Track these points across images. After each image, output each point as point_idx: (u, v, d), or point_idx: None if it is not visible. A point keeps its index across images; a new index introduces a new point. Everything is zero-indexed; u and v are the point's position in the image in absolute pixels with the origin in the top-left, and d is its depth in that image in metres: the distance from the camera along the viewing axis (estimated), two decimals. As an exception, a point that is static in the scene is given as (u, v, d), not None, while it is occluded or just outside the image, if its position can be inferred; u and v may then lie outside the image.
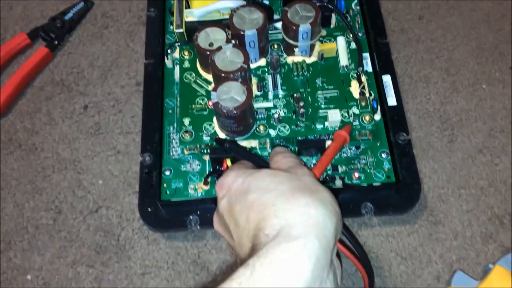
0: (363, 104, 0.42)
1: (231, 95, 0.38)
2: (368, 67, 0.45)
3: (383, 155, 0.42)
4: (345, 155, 0.42)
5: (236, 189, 0.30)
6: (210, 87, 0.43)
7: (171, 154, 0.43)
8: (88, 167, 0.46)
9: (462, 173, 0.44)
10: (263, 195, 0.28)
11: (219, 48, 0.40)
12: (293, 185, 0.29)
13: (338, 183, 0.39)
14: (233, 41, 0.41)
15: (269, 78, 0.43)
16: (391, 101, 0.44)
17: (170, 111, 0.44)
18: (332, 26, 0.46)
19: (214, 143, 0.40)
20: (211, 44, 0.42)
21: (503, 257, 0.39)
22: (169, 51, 0.46)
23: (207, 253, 0.42)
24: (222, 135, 0.41)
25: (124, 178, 0.45)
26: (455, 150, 0.45)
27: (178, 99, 0.44)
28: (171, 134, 0.43)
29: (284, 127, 0.41)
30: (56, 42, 0.52)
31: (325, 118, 0.41)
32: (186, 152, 0.42)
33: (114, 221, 0.44)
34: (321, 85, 0.43)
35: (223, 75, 0.39)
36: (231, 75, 0.39)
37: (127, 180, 0.45)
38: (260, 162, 0.36)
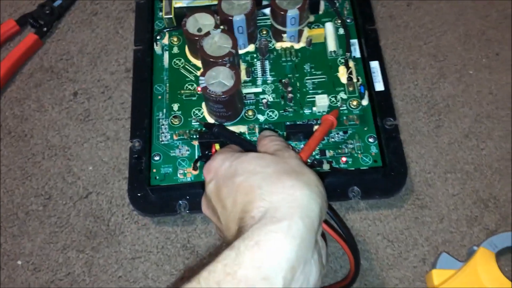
0: (351, 89, 0.42)
1: (219, 79, 0.38)
2: (356, 53, 0.45)
3: (370, 140, 0.42)
4: (332, 140, 0.42)
5: (223, 173, 0.30)
6: (199, 73, 0.43)
7: (160, 139, 0.43)
8: (78, 154, 0.46)
9: (448, 157, 0.44)
10: (249, 178, 0.29)
11: (208, 34, 0.40)
12: (279, 168, 0.29)
13: (326, 166, 0.40)
14: (221, 27, 0.41)
15: (258, 64, 0.44)
16: (379, 86, 0.44)
17: (160, 97, 0.44)
18: (320, 12, 0.46)
19: (203, 128, 0.40)
20: (199, 30, 0.42)
21: (488, 239, 0.40)
22: (158, 37, 0.46)
23: (197, 237, 0.42)
24: (211, 120, 0.41)
25: (114, 164, 0.45)
26: (441, 135, 0.45)
27: (167, 85, 0.44)
28: (160, 120, 0.44)
29: (273, 112, 0.41)
30: (45, 28, 0.52)
31: (313, 103, 0.42)
32: (175, 137, 0.43)
33: (104, 207, 0.44)
34: (309, 70, 0.43)
35: (211, 60, 0.39)
36: (220, 60, 0.39)
37: (117, 166, 0.45)
38: (248, 146, 0.36)
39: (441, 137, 0.45)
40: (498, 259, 0.39)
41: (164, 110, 0.44)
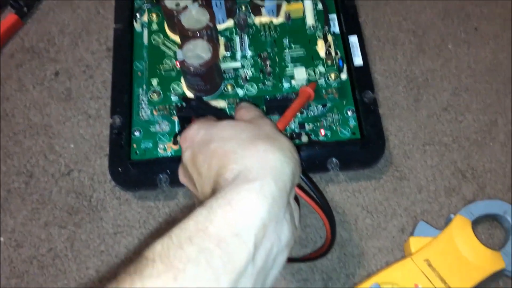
0: (329, 63, 0.43)
1: (197, 52, 0.38)
2: (336, 29, 0.46)
3: (349, 113, 0.42)
4: (312, 113, 0.42)
5: (198, 140, 0.31)
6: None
7: (140, 115, 0.43)
8: (60, 132, 0.46)
9: (427, 130, 0.45)
10: (224, 143, 0.29)
11: (185, 8, 0.40)
12: (253, 134, 0.29)
13: (304, 139, 0.40)
14: (199, 1, 0.41)
15: (237, 39, 0.44)
16: (358, 61, 0.44)
17: (140, 74, 0.45)
18: (299, -13, 0.47)
19: (182, 103, 0.41)
20: (177, 5, 0.42)
21: (464, 207, 0.40)
22: (137, 14, 0.46)
23: (178, 212, 0.42)
24: (190, 95, 0.41)
25: (96, 141, 0.46)
26: (420, 108, 0.46)
27: (147, 61, 0.44)
28: (140, 96, 0.44)
29: (252, 86, 0.42)
30: (25, 9, 0.51)
31: (292, 76, 0.42)
32: (155, 113, 0.43)
33: (86, 183, 0.44)
34: (288, 44, 0.43)
35: (189, 33, 0.39)
36: (197, 34, 0.39)
37: (98, 143, 0.45)
38: (225, 117, 0.36)
39: (420, 111, 0.46)
40: (475, 227, 0.40)
41: (144, 87, 0.44)
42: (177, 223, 0.25)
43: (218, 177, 0.27)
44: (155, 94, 0.42)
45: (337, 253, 0.41)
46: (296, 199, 0.31)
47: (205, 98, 0.41)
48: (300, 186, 0.31)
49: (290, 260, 0.39)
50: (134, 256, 0.40)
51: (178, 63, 0.41)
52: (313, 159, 0.41)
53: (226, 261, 0.23)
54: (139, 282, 0.21)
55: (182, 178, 0.34)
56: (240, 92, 0.41)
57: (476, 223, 0.40)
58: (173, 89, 0.42)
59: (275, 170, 0.27)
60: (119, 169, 0.41)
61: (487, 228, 0.41)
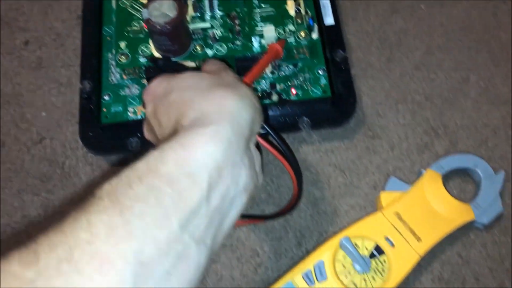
0: (299, 21, 0.42)
1: (163, 11, 0.38)
2: (306, -11, 0.45)
3: (320, 72, 0.42)
4: (283, 73, 0.42)
5: (159, 93, 0.30)
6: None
7: (110, 80, 0.43)
8: (31, 101, 0.46)
9: (399, 89, 0.45)
10: (183, 93, 0.29)
11: (151, -32, 0.40)
12: (213, 82, 0.29)
13: (275, 97, 0.40)
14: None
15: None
16: (329, 20, 0.44)
17: (109, 38, 0.44)
18: None
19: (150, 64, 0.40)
20: (144, -35, 0.42)
21: (435, 162, 0.40)
22: (106, -21, 0.46)
23: (152, 176, 0.42)
24: (159, 56, 0.41)
25: (67, 109, 0.45)
26: (393, 68, 0.46)
27: (115, 24, 0.44)
28: (110, 61, 0.43)
29: (221, 46, 0.41)
30: (-7, -22, 0.51)
31: (261, 35, 0.41)
32: (124, 77, 0.42)
33: (59, 151, 0.44)
34: (257, 4, 0.43)
35: (155, -7, 0.39)
36: (163, -7, 0.39)
37: (70, 111, 0.45)
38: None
39: (392, 70, 0.46)
40: (446, 182, 0.40)
41: (113, 51, 0.43)
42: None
43: (176, 125, 0.27)
44: (123, 56, 0.41)
45: (310, 211, 0.41)
46: (259, 148, 0.30)
47: (173, 60, 0.40)
48: (267, 140, 0.31)
49: (263, 217, 0.40)
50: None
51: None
52: (284, 119, 0.41)
53: (177, 199, 0.22)
54: (84, 217, 0.21)
55: (146, 134, 0.34)
56: (210, 52, 0.41)
57: (447, 179, 0.41)
58: (141, 51, 0.41)
59: (232, 115, 0.26)
60: (90, 133, 0.41)
61: (459, 183, 0.41)
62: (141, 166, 0.24)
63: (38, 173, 0.43)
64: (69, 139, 0.44)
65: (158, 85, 0.31)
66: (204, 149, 0.24)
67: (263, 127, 0.30)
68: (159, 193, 0.22)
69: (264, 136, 0.31)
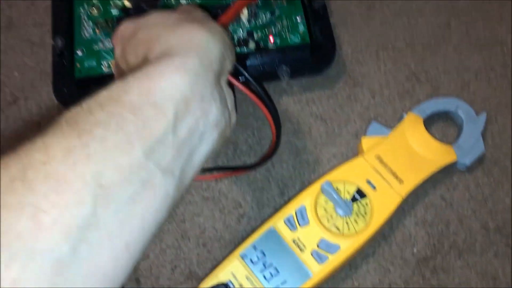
0: (275, -32, 0.41)
1: (131, -43, 0.37)
2: None
3: (298, 19, 0.41)
4: (260, 21, 0.41)
5: (127, 34, 0.30)
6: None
7: (82, 34, 0.41)
8: (3, 61, 0.44)
9: (380, 36, 0.44)
10: (150, 30, 0.28)
11: None
12: (181, 18, 0.28)
13: (252, 45, 0.39)
14: None
15: (178, -52, 0.42)
16: (306, -32, 0.43)
17: (80, -7, 0.43)
18: None
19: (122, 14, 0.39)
20: None
21: (417, 106, 0.40)
22: None
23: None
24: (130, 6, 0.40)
25: (41, 68, 0.44)
26: (373, 16, 0.45)
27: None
28: (82, 15, 0.42)
29: (196, -6, 0.40)
30: None
31: (236, -17, 0.40)
32: (97, 31, 0.41)
33: (34, 111, 0.43)
34: (231, -49, 0.42)
35: None
36: None
37: (44, 70, 0.44)
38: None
39: (372, 18, 0.45)
40: (428, 126, 0.39)
41: (85, 5, 0.42)
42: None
43: (143, 62, 0.26)
44: (94, 9, 0.40)
45: (292, 161, 0.40)
46: (232, 88, 0.30)
47: (145, 9, 0.39)
48: (239, 79, 0.30)
49: (244, 168, 0.39)
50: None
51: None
52: (263, 67, 0.40)
53: (140, 127, 0.22)
54: (40, 140, 0.21)
55: (117, 78, 0.33)
56: (183, 1, 0.40)
57: (430, 123, 0.40)
58: (113, 3, 0.40)
59: (200, 48, 0.26)
60: (64, 89, 0.40)
61: (441, 127, 0.41)
62: (103, 94, 0.23)
63: (13, 134, 0.42)
64: (44, 98, 0.43)
65: (126, 26, 0.30)
66: (169, 79, 0.24)
67: (240, 72, 0.29)
68: (121, 119, 0.22)
69: (244, 83, 0.30)
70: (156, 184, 0.22)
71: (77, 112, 0.22)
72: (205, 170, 0.39)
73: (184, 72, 0.24)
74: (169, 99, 0.23)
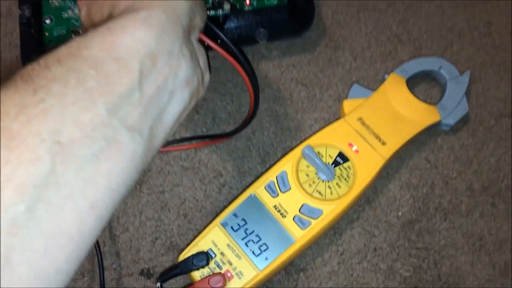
0: None
1: None
2: None
3: (275, -20, 0.40)
4: (236, -15, 0.40)
5: (92, -4, 0.28)
6: None
7: (50, 2, 0.40)
8: (-31, 34, 0.43)
9: (360, -3, 0.43)
10: (115, -13, 0.26)
11: None
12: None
13: (227, 7, 0.38)
14: None
15: None
16: None
17: (46, -42, 0.41)
18: None
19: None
20: None
21: (399, 66, 0.39)
22: None
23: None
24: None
25: (9, 40, 0.42)
26: (353, -24, 0.43)
27: None
28: (49, -18, 0.40)
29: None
30: None
31: None
32: (66, -2, 0.39)
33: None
34: None
35: None
36: None
37: (12, 42, 0.42)
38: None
39: (353, -21, 0.43)
40: (412, 88, 0.38)
41: (53, -28, 0.40)
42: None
43: (108, 19, 0.25)
44: (61, -27, 0.38)
45: (273, 128, 0.39)
46: (205, 47, 0.28)
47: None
48: (210, 37, 0.29)
49: (224, 135, 0.38)
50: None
51: None
52: (240, 31, 0.38)
53: (103, 83, 0.20)
54: None
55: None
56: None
57: (413, 84, 0.39)
58: (80, -33, 0.38)
59: (167, 2, 0.24)
60: (33, 59, 0.38)
61: (424, 88, 0.40)
62: (61, 50, 0.21)
63: (-17, 109, 0.40)
64: (13, 70, 0.41)
65: (91, -14, 0.28)
66: (133, 34, 0.22)
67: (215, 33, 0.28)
68: (81, 75, 0.20)
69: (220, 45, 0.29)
70: (122, 143, 0.21)
71: (33, 68, 0.21)
72: (183, 139, 0.38)
73: (149, 26, 0.23)
74: (133, 54, 0.22)
